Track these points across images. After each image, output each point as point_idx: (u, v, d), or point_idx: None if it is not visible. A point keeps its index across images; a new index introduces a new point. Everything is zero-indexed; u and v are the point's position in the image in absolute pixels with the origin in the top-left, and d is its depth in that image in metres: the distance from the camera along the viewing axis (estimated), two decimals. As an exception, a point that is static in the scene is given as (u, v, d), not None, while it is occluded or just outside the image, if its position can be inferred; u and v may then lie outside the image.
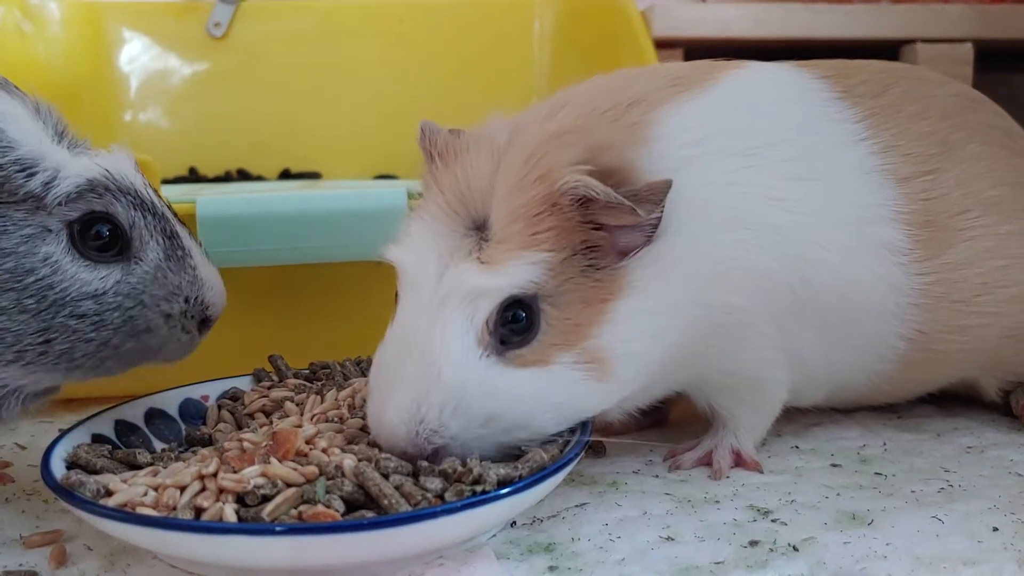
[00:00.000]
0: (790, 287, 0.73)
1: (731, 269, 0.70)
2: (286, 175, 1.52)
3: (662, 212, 0.67)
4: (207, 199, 0.90)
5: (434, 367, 0.63)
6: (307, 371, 0.85)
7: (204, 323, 0.70)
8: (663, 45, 1.43)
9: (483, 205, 0.66)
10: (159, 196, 0.71)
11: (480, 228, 0.66)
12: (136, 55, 1.54)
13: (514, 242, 0.65)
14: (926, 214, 0.77)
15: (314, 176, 1.52)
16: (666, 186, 0.66)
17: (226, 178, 1.51)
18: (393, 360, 0.65)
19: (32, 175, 0.63)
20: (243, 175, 1.52)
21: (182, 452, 0.70)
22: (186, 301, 0.68)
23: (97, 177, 0.65)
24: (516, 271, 0.64)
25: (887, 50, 1.48)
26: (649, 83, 0.75)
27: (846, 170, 0.76)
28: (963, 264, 0.78)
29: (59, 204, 0.63)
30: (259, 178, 1.51)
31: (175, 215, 0.71)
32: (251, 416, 0.76)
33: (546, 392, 0.65)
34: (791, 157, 0.74)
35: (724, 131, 0.73)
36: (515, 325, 0.65)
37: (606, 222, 0.66)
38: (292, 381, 0.82)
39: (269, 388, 0.80)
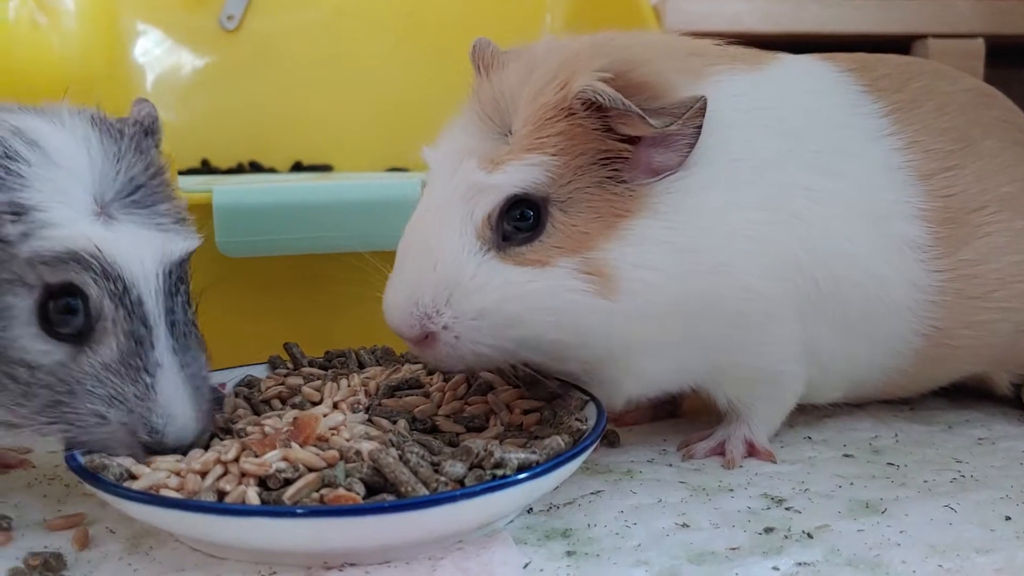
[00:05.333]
0: (815, 279, 0.73)
1: (758, 251, 0.70)
2: (298, 167, 1.53)
3: (696, 136, 0.67)
4: (223, 189, 0.90)
5: (431, 257, 0.66)
6: (322, 359, 0.86)
7: (151, 447, 0.63)
8: (675, 39, 1.43)
9: (513, 111, 0.69)
10: (179, 299, 0.65)
11: (509, 133, 0.68)
12: (150, 48, 1.54)
13: (521, 144, 0.67)
14: (946, 211, 0.77)
15: (326, 168, 1.53)
16: (696, 101, 0.66)
17: (238, 170, 1.52)
18: (403, 248, 0.70)
19: (16, 222, 0.60)
20: (255, 167, 1.52)
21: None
22: (129, 412, 0.62)
23: (80, 251, 0.60)
24: (515, 171, 0.66)
25: (898, 45, 1.47)
26: (706, 47, 0.77)
27: (872, 166, 0.76)
28: (979, 260, 0.78)
29: (35, 261, 0.60)
30: (271, 170, 1.52)
31: (184, 328, 0.65)
32: (267, 403, 0.77)
33: (540, 292, 0.66)
34: (824, 149, 0.75)
35: (770, 111, 0.74)
36: (521, 223, 0.67)
37: (622, 131, 0.67)
38: (307, 369, 0.82)
39: (285, 376, 0.81)
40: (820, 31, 1.47)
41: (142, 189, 0.65)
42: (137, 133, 0.68)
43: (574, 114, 0.66)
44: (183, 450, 0.63)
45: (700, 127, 0.67)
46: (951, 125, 0.81)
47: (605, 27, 1.43)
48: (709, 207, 0.69)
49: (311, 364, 0.84)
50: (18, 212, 0.60)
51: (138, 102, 0.72)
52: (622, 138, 0.67)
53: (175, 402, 0.62)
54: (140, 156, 0.67)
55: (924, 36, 1.47)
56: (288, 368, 0.84)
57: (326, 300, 0.98)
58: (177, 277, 0.65)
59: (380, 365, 0.83)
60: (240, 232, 0.90)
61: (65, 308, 0.61)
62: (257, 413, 0.75)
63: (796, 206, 0.73)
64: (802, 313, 0.74)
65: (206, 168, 1.50)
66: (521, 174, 0.66)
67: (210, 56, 1.55)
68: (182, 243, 0.65)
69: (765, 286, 0.71)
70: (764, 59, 0.79)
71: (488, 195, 0.67)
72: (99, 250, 0.61)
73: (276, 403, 0.77)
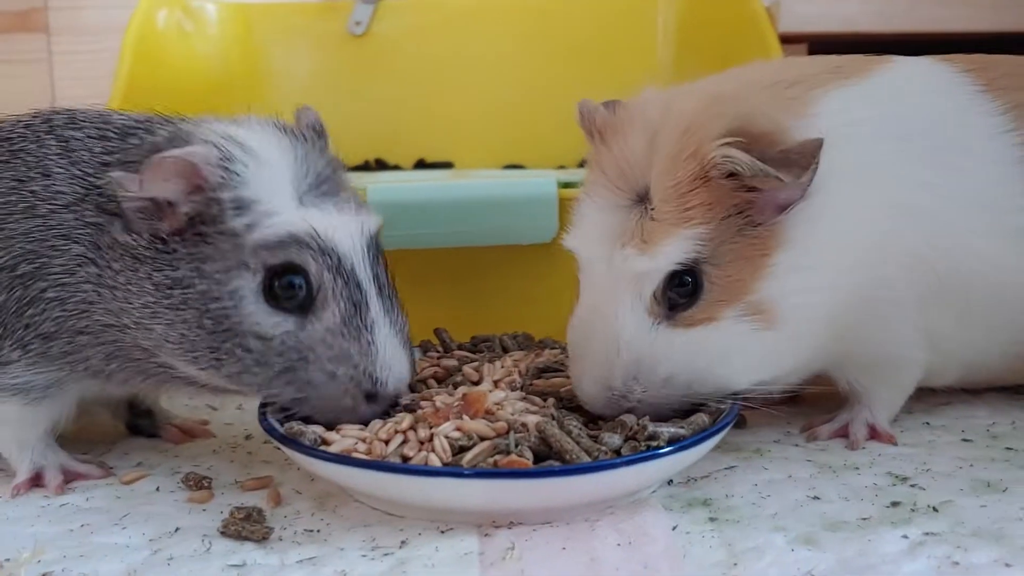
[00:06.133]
0: (936, 270, 0.78)
1: (883, 246, 0.75)
2: (421, 164, 1.61)
3: (814, 172, 0.71)
4: (377, 187, 0.99)
5: (614, 343, 0.72)
6: (469, 344, 0.93)
7: (371, 398, 0.71)
8: (787, 40, 1.47)
9: (643, 177, 0.73)
10: (380, 267, 0.74)
11: (642, 199, 0.73)
12: (283, 53, 1.64)
13: (669, 220, 0.71)
14: None
15: (447, 165, 1.61)
16: (816, 145, 0.70)
17: (365, 167, 1.60)
18: (582, 339, 0.74)
19: (241, 215, 0.69)
20: (381, 164, 1.61)
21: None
22: (355, 367, 0.70)
23: (300, 233, 0.69)
24: (672, 250, 0.71)
25: (1013, 42, 1.49)
26: (809, 67, 0.81)
27: (991, 160, 0.80)
28: None
29: (259, 247, 0.68)
30: (396, 167, 1.60)
31: (388, 290, 0.74)
32: (423, 382, 0.85)
33: (717, 345, 0.72)
34: (943, 146, 0.79)
35: (881, 117, 0.79)
36: (682, 289, 0.72)
37: (757, 187, 0.71)
38: (458, 352, 0.90)
39: (438, 358, 0.89)
40: (935, 30, 1.48)
41: (327, 181, 0.74)
42: (312, 135, 0.77)
43: (710, 181, 0.71)
44: (397, 397, 0.73)
45: (818, 161, 0.71)
46: None
47: (717, 30, 1.49)
48: (836, 227, 0.74)
49: (460, 348, 0.92)
50: (241, 206, 0.69)
51: (303, 109, 0.81)
52: (750, 188, 0.72)
53: (393, 354, 0.72)
54: (320, 154, 0.76)
55: (1040, 33, 1.48)
56: (439, 351, 0.91)
57: (469, 289, 1.05)
58: (376, 248, 0.74)
59: (522, 350, 0.90)
60: (393, 226, 0.97)
61: (288, 285, 0.70)
62: (414, 391, 0.83)
63: (917, 202, 0.77)
64: (924, 302, 0.79)
65: (336, 165, 1.59)
66: (675, 251, 0.71)
67: (338, 60, 1.64)
68: (374, 220, 0.75)
69: (891, 278, 0.76)
70: (870, 66, 0.83)
71: (650, 277, 0.71)
72: (315, 231, 0.70)
73: (431, 383, 0.84)
